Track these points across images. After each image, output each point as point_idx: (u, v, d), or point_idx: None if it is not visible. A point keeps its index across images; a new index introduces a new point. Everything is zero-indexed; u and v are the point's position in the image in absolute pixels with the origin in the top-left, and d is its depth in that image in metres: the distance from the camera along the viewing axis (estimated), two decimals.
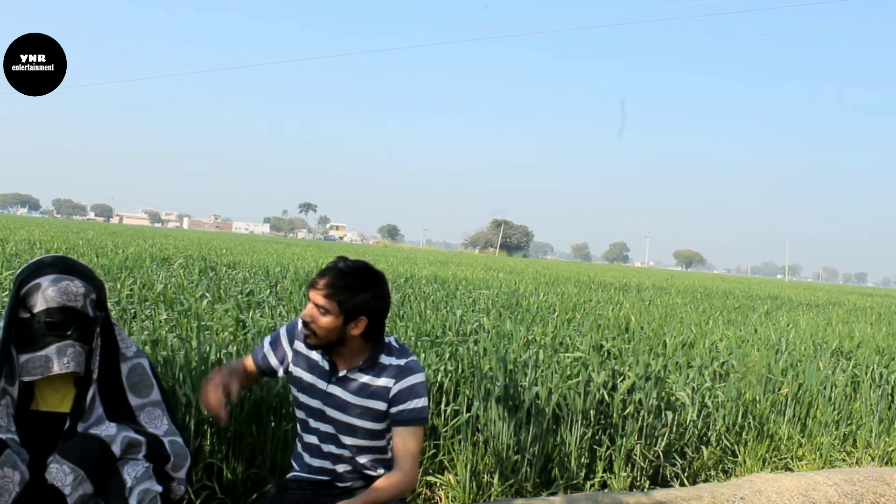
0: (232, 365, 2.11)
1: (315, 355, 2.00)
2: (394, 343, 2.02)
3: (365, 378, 1.96)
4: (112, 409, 1.80)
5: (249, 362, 2.11)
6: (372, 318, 1.91)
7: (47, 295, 1.71)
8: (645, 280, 23.26)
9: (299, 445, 2.09)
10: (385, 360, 1.97)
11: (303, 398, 2.02)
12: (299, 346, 2.02)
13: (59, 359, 1.71)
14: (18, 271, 1.77)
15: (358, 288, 1.87)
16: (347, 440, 1.98)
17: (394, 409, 1.94)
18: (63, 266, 1.77)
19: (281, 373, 2.07)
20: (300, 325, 2.00)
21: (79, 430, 1.75)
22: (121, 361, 1.86)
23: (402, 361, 1.97)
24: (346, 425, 1.96)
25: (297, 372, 2.02)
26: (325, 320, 1.86)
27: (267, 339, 2.10)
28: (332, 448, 2.00)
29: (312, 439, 2.03)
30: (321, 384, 1.98)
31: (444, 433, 3.34)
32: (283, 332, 2.08)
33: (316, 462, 2.04)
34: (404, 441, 1.94)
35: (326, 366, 1.98)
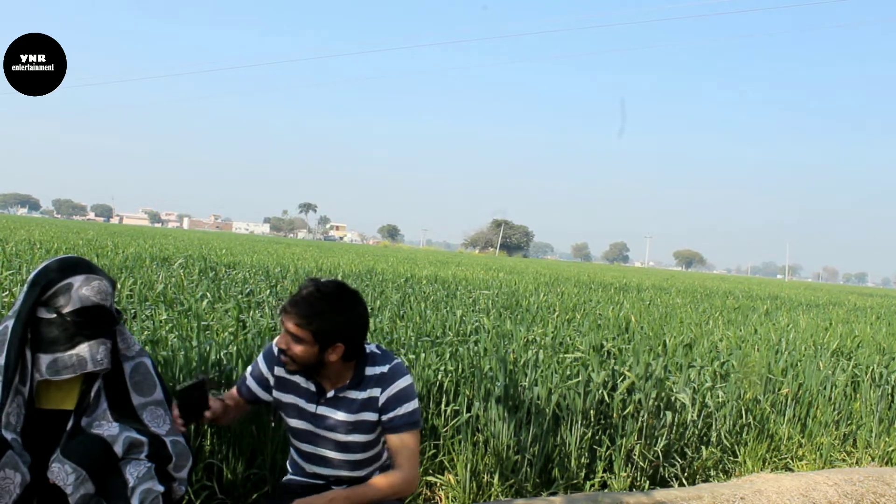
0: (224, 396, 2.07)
1: (298, 378, 1.95)
2: (375, 350, 1.97)
3: (353, 394, 1.92)
4: (115, 405, 1.81)
5: (235, 393, 2.07)
6: (349, 343, 1.85)
7: (81, 294, 1.71)
8: (645, 280, 23.26)
9: (294, 453, 2.07)
10: (369, 370, 1.93)
11: (292, 422, 1.98)
12: (280, 371, 1.97)
13: (93, 357, 1.73)
14: (36, 273, 1.75)
15: (331, 314, 1.80)
16: (341, 456, 1.96)
17: (385, 417, 1.91)
18: (87, 267, 1.78)
19: (269, 398, 2.02)
20: (276, 350, 1.95)
21: (82, 424, 1.76)
22: (123, 360, 1.86)
23: (385, 368, 1.92)
24: (340, 443, 1.94)
25: (283, 397, 1.98)
26: (300, 348, 1.81)
27: (248, 370, 2.05)
28: (325, 464, 1.99)
29: (305, 455, 2.01)
30: (310, 407, 1.94)
31: (444, 433, 3.34)
32: (260, 360, 2.02)
33: (310, 471, 2.03)
34: (402, 446, 1.91)
35: (312, 388, 1.94)
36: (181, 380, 2.80)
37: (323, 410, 1.93)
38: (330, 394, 1.92)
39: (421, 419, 1.97)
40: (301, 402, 1.95)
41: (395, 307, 6.39)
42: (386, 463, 2.06)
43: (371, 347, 1.97)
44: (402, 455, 1.91)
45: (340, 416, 1.91)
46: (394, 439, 1.92)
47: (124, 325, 1.89)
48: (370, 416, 1.92)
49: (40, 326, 1.72)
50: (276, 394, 1.99)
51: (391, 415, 1.90)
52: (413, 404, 1.92)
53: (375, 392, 1.91)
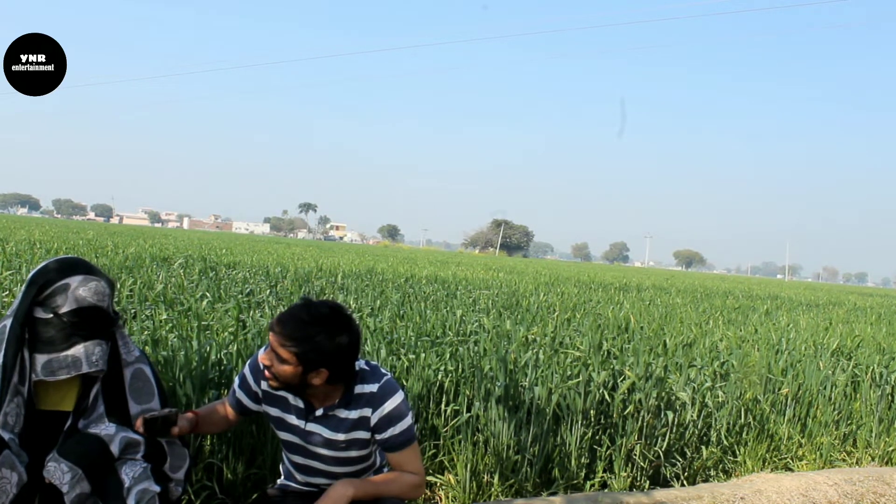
0: (208, 407, 2.06)
1: (286, 394, 1.90)
2: (364, 367, 1.91)
3: (343, 413, 1.87)
4: (113, 410, 1.81)
5: (227, 407, 2.04)
6: (333, 369, 1.79)
7: (78, 295, 1.71)
8: (645, 280, 23.25)
9: (287, 461, 2.05)
10: (359, 388, 1.87)
11: (283, 435, 1.96)
12: (266, 385, 1.91)
13: (88, 358, 1.72)
14: (34, 273, 1.75)
15: (318, 339, 1.73)
16: (335, 468, 1.94)
17: (380, 438, 1.88)
18: (86, 267, 1.78)
19: (261, 409, 1.99)
20: (262, 364, 1.88)
21: (79, 426, 1.76)
22: (124, 366, 1.86)
23: (374, 387, 1.87)
24: (333, 458, 1.92)
25: (271, 411, 1.94)
26: (283, 369, 1.76)
27: (236, 383, 2.01)
28: (319, 475, 1.97)
29: (299, 466, 1.99)
30: (299, 423, 1.90)
31: (444, 433, 3.34)
32: (247, 372, 1.98)
33: (304, 480, 2.02)
34: (404, 460, 1.89)
35: (300, 404, 1.89)
36: (181, 380, 2.80)
37: (312, 427, 1.89)
38: (319, 412, 1.87)
39: (415, 433, 1.93)
40: (290, 418, 1.92)
41: (395, 307, 6.38)
42: (379, 466, 2.05)
43: (360, 364, 1.91)
44: (409, 466, 1.90)
45: (331, 434, 1.88)
46: (394, 457, 1.90)
47: (124, 326, 1.88)
48: (363, 435, 1.89)
49: (37, 326, 1.71)
50: (264, 407, 1.96)
51: (386, 436, 1.87)
52: (406, 422, 1.88)
53: (367, 412, 1.87)
